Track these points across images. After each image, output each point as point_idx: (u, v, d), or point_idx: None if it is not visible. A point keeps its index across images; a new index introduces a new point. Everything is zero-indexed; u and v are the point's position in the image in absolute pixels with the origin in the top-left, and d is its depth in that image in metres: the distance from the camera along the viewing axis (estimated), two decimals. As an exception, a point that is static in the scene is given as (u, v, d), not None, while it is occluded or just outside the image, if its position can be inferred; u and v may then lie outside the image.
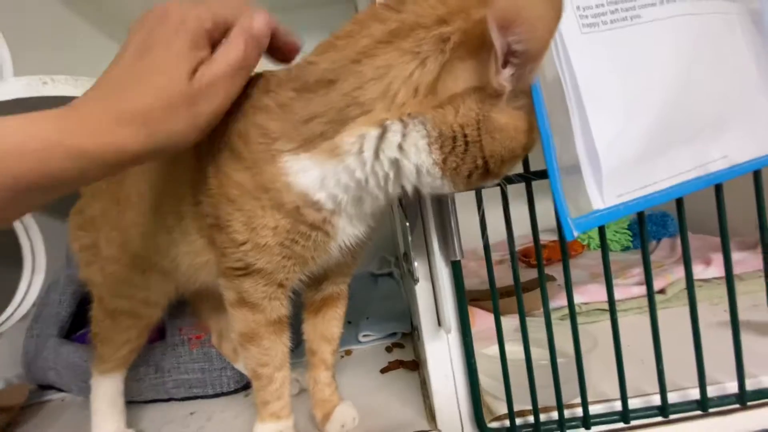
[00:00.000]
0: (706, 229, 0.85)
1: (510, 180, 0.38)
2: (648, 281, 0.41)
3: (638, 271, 0.75)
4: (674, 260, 0.83)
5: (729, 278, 0.41)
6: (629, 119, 0.33)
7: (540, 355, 0.42)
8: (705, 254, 0.74)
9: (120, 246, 0.51)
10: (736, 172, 0.38)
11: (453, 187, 0.35)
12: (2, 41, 0.64)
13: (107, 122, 0.30)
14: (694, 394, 0.43)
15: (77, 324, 0.73)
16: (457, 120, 0.31)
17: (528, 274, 0.68)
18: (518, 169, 0.38)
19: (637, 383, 0.44)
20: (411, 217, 0.43)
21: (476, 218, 0.41)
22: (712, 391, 0.42)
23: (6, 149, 0.27)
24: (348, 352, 0.71)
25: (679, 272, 0.69)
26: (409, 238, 0.43)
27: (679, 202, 0.39)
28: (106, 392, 0.55)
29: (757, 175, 0.40)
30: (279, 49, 0.38)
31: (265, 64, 0.38)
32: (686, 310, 0.41)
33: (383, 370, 0.62)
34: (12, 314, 0.72)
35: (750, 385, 0.42)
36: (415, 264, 0.44)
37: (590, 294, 0.67)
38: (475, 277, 0.87)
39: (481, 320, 0.65)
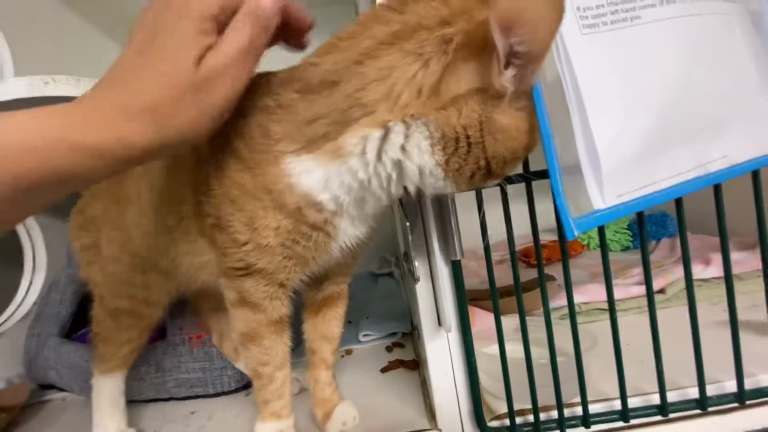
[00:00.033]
0: (705, 229, 0.85)
1: (510, 180, 0.38)
2: (647, 281, 0.41)
3: (638, 271, 0.75)
4: (674, 260, 0.83)
5: (728, 278, 0.41)
6: (629, 119, 0.33)
7: (540, 354, 0.42)
8: (704, 254, 0.74)
9: (121, 246, 0.51)
10: (735, 172, 0.38)
11: (455, 187, 0.35)
12: (3, 41, 0.64)
13: (113, 116, 0.29)
14: (694, 393, 0.43)
15: (78, 323, 0.74)
16: (460, 121, 0.31)
17: (528, 274, 0.68)
18: (518, 169, 0.38)
19: (636, 382, 0.44)
20: (411, 217, 0.43)
21: (476, 218, 0.42)
22: (711, 390, 0.42)
23: (7, 146, 0.26)
24: (348, 352, 0.71)
25: (679, 272, 0.69)
26: (410, 238, 0.43)
27: (679, 203, 0.39)
28: (107, 392, 0.55)
29: (755, 175, 0.40)
30: (289, 27, 0.36)
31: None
32: (685, 309, 0.41)
33: (383, 370, 0.62)
34: (13, 314, 0.73)
35: (749, 384, 0.42)
36: (416, 263, 0.44)
37: (590, 294, 0.68)
38: (475, 277, 0.87)
39: (481, 320, 0.65)
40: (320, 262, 0.43)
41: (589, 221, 0.34)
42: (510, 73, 0.30)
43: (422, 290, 0.45)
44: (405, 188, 0.36)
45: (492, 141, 0.32)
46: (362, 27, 0.33)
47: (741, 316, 0.41)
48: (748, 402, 0.43)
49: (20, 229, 0.71)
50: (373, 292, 0.95)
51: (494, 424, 0.45)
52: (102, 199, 0.53)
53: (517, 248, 0.42)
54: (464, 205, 0.44)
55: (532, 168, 0.40)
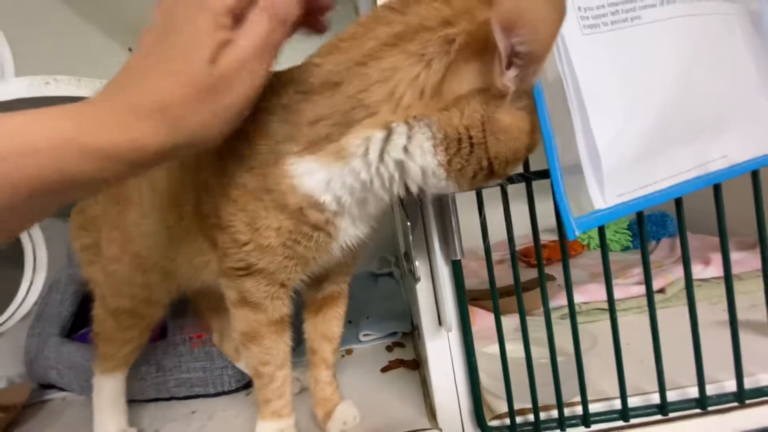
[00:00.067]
0: (705, 229, 0.85)
1: (511, 180, 0.38)
2: (647, 281, 0.41)
3: (638, 271, 0.75)
4: (673, 260, 0.83)
5: (728, 278, 0.41)
6: (630, 119, 0.33)
7: (540, 353, 0.43)
8: (704, 254, 0.74)
9: (121, 246, 0.51)
10: (735, 172, 0.38)
11: (458, 187, 0.35)
12: (4, 41, 0.64)
13: (124, 117, 0.27)
14: (693, 392, 0.43)
15: (79, 323, 0.74)
16: (463, 122, 0.31)
17: (528, 274, 0.68)
18: (518, 169, 0.38)
19: (636, 382, 0.44)
20: (412, 217, 0.43)
21: (476, 218, 0.42)
22: (710, 390, 0.42)
23: (13, 150, 0.24)
24: (349, 352, 0.71)
25: (679, 272, 0.69)
26: (410, 238, 0.43)
27: (678, 202, 0.39)
28: (108, 391, 0.55)
29: (755, 175, 0.40)
30: (309, 9, 0.34)
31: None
32: (685, 309, 0.41)
33: (384, 369, 0.62)
34: (14, 313, 0.73)
35: (748, 383, 0.42)
36: (416, 263, 0.44)
37: (590, 293, 0.68)
38: (476, 277, 0.87)
39: (482, 320, 0.65)
40: (321, 262, 0.43)
41: (590, 221, 0.34)
42: (512, 73, 0.30)
43: (423, 290, 0.45)
44: (407, 188, 0.36)
45: (494, 141, 0.32)
46: (364, 28, 0.33)
47: (740, 315, 0.41)
48: (747, 401, 0.43)
49: (21, 228, 0.71)
50: (374, 292, 0.95)
51: (494, 423, 0.45)
52: (102, 199, 0.53)
53: (517, 248, 0.42)
54: (465, 205, 0.44)
55: (532, 168, 0.40)
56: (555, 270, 0.80)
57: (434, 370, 0.46)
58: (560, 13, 0.27)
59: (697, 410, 0.43)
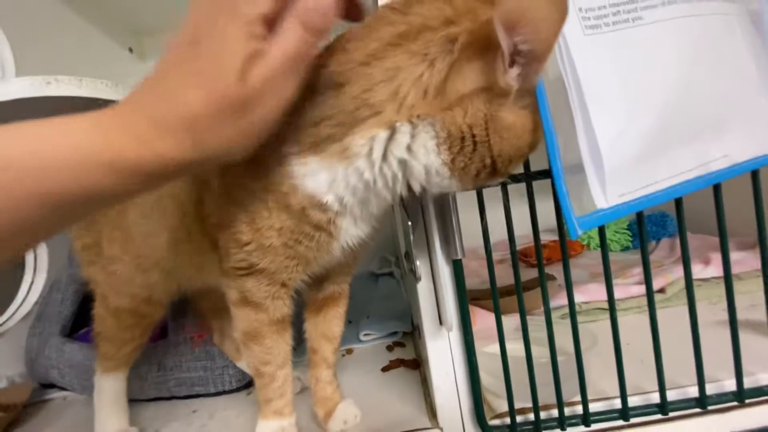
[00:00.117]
0: (705, 229, 0.85)
1: (516, 179, 0.38)
2: (647, 281, 0.41)
3: (638, 271, 0.75)
4: (673, 260, 0.83)
5: (727, 278, 0.42)
6: (631, 119, 0.34)
7: (540, 353, 0.43)
8: (704, 254, 0.75)
9: (122, 245, 0.51)
10: (736, 172, 0.38)
11: (461, 186, 0.35)
12: (5, 41, 0.64)
13: (150, 131, 0.27)
14: (693, 391, 0.43)
15: (79, 323, 0.74)
16: (466, 120, 0.31)
17: (528, 274, 0.68)
18: (518, 169, 0.38)
19: (636, 381, 0.44)
20: (413, 216, 0.44)
21: (477, 218, 0.42)
22: (710, 389, 0.43)
23: (34, 163, 0.23)
24: (349, 351, 0.71)
25: (679, 272, 0.69)
26: (411, 237, 0.43)
27: (679, 203, 0.40)
28: (109, 390, 0.55)
29: (755, 175, 0.41)
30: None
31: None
32: (685, 309, 0.41)
33: (384, 369, 0.62)
34: (14, 313, 0.73)
35: (748, 383, 0.42)
36: (417, 263, 0.44)
37: (590, 293, 0.68)
38: (476, 277, 0.87)
39: (482, 319, 0.65)
40: (322, 262, 0.43)
41: (591, 220, 0.34)
42: (514, 71, 0.30)
43: (423, 289, 0.45)
44: (409, 187, 0.36)
45: (497, 139, 0.32)
46: (368, 29, 0.33)
47: (740, 315, 0.42)
48: (747, 401, 0.43)
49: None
50: (374, 292, 0.95)
51: (495, 422, 0.45)
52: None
53: (518, 248, 0.42)
54: (465, 204, 0.44)
55: (533, 168, 0.40)
56: (555, 270, 0.80)
57: (435, 369, 0.46)
58: (562, 12, 0.27)
59: (697, 409, 0.43)
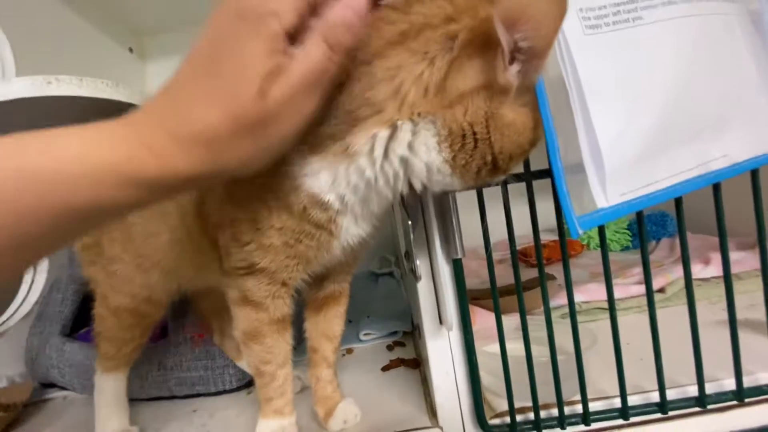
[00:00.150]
0: (705, 229, 0.85)
1: (516, 177, 0.38)
2: (647, 280, 0.41)
3: (638, 271, 0.75)
4: (673, 260, 0.83)
5: (727, 277, 0.42)
6: (631, 119, 0.34)
7: (540, 352, 0.43)
8: (704, 254, 0.75)
9: (122, 245, 0.51)
10: (736, 171, 0.38)
11: (462, 183, 0.35)
12: (5, 41, 0.64)
13: (168, 146, 0.26)
14: (693, 391, 0.43)
15: (80, 322, 0.74)
16: (467, 118, 0.32)
17: (528, 274, 0.69)
18: (518, 168, 0.38)
19: (636, 380, 0.44)
20: (413, 216, 0.44)
21: (477, 217, 0.42)
22: (710, 388, 0.43)
23: (48, 175, 0.23)
24: (349, 351, 0.71)
25: (678, 271, 0.70)
26: (411, 237, 0.43)
27: (678, 202, 0.40)
28: (110, 390, 0.55)
29: (755, 175, 0.41)
30: None
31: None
32: (685, 308, 0.41)
33: (384, 368, 0.62)
34: (15, 313, 0.73)
35: (747, 382, 0.42)
36: (417, 262, 0.44)
37: (590, 293, 0.68)
38: (476, 277, 0.87)
39: (482, 319, 0.65)
40: (322, 261, 0.43)
41: (592, 219, 0.34)
42: (514, 68, 0.30)
43: (423, 289, 0.46)
44: (410, 185, 0.36)
45: (498, 136, 0.32)
46: (369, 27, 0.33)
47: (740, 315, 0.42)
48: (747, 400, 0.43)
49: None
50: (374, 292, 0.95)
51: (495, 421, 0.45)
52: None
53: (518, 248, 0.42)
54: (465, 204, 0.44)
55: (533, 167, 0.40)
56: (555, 269, 0.80)
57: (435, 368, 0.46)
58: (562, 9, 0.27)
59: (697, 409, 0.43)
